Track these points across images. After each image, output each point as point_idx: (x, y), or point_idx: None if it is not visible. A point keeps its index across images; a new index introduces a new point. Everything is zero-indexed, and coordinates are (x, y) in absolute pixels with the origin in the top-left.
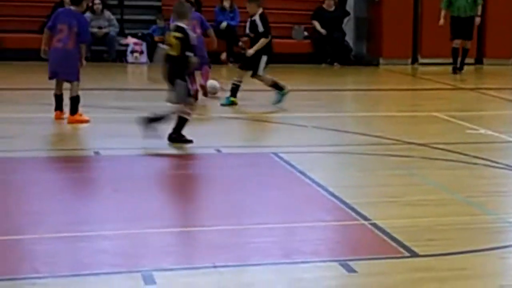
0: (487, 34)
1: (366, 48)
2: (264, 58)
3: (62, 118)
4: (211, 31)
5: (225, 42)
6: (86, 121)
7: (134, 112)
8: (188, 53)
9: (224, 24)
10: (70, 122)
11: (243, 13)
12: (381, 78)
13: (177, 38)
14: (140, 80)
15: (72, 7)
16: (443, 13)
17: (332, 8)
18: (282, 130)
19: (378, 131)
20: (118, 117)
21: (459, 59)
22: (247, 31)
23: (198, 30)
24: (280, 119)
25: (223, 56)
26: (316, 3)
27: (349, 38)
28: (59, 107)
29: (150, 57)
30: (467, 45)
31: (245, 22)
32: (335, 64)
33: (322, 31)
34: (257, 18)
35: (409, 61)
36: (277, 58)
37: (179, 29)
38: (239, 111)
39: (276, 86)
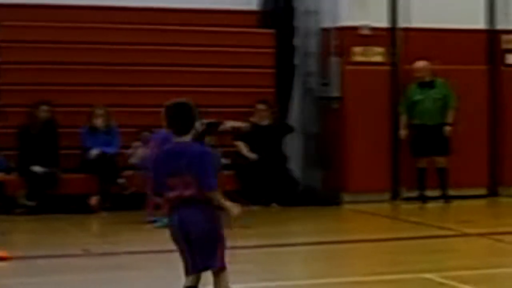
0: (505, 154)
1: (321, 178)
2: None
3: None
4: None
5: (96, 179)
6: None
7: None
8: None
9: (95, 152)
10: None
11: (125, 134)
12: (345, 224)
13: None
14: None
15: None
16: (403, 120)
17: (267, 122)
18: None
19: None
20: None
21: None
22: None
23: None
24: None
25: (94, 200)
26: (241, 115)
27: (295, 165)
28: None
29: None
30: (442, 162)
31: (127, 148)
32: (273, 204)
33: (251, 156)
34: None
35: (388, 195)
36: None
37: None
38: None
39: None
